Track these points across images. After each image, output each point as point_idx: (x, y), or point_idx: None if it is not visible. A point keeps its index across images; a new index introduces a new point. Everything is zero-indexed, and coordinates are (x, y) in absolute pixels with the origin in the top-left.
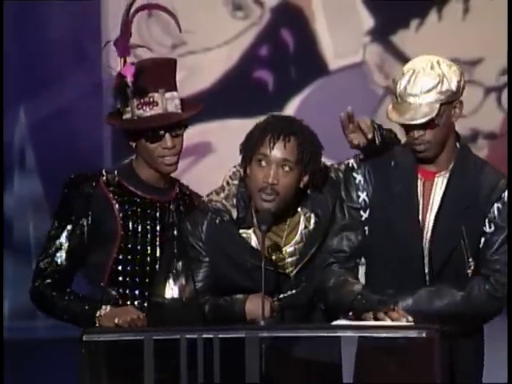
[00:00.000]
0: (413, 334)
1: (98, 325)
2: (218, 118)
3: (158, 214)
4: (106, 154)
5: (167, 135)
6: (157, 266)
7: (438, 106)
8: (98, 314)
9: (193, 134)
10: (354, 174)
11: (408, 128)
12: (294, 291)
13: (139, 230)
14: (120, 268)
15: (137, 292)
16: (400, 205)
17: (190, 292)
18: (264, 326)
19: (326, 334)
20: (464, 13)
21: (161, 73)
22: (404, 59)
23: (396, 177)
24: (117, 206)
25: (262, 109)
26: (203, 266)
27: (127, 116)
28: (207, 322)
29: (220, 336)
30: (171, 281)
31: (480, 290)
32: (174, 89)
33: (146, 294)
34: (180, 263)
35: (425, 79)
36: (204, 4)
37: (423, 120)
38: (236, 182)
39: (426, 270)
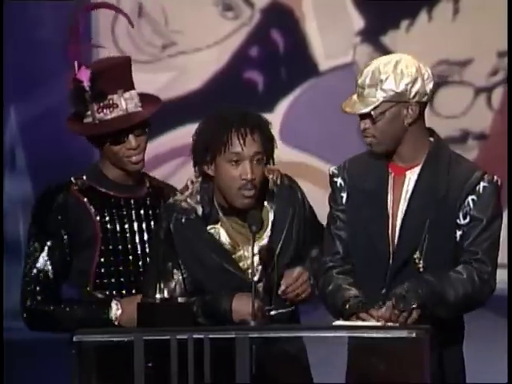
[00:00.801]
0: (403, 334)
1: (117, 323)
2: None
3: (133, 212)
4: (95, 154)
5: (131, 136)
6: (140, 263)
7: (376, 101)
8: (113, 316)
9: (183, 135)
10: (335, 179)
11: (360, 120)
12: (286, 309)
13: (117, 230)
14: (104, 270)
15: (124, 291)
16: (371, 200)
17: (180, 292)
18: (254, 326)
19: (316, 335)
20: (454, 13)
21: (117, 73)
22: None
23: (368, 173)
24: (92, 209)
25: (252, 109)
26: (181, 269)
27: (88, 120)
28: (197, 323)
29: (210, 336)
30: (161, 281)
31: (467, 274)
32: (132, 87)
33: (134, 291)
34: (170, 263)
35: (372, 73)
36: (194, 4)
37: (356, 111)
38: (200, 179)
39: (390, 266)
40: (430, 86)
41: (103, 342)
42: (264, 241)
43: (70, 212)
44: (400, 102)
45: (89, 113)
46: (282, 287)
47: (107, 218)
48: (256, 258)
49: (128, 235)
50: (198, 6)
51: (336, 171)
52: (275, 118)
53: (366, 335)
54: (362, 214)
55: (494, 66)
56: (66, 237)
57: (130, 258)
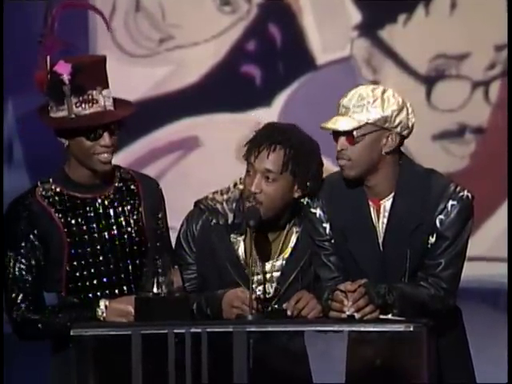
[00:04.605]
0: (400, 327)
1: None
2: (206, 113)
3: (100, 211)
4: None
5: (105, 133)
6: (112, 262)
7: (361, 122)
8: (99, 314)
9: (180, 129)
10: (312, 210)
11: (336, 140)
12: (283, 307)
13: (85, 232)
14: (75, 275)
15: (98, 293)
16: (359, 234)
17: (178, 287)
18: (251, 320)
19: (314, 328)
20: (451, 8)
21: (96, 70)
22: (392, 54)
23: (349, 207)
24: (57, 215)
25: (249, 103)
26: (191, 267)
27: (61, 114)
28: (195, 317)
29: (208, 330)
30: (159, 276)
31: (426, 287)
32: (108, 86)
33: (107, 292)
34: (167, 258)
35: (359, 95)
36: None
37: (339, 128)
38: (242, 186)
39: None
40: (412, 121)
41: (101, 336)
42: (279, 262)
43: (37, 220)
44: (383, 128)
45: (64, 106)
46: (288, 312)
47: (73, 222)
48: (261, 275)
49: (96, 235)
50: (196, 0)
51: (310, 201)
52: (272, 112)
53: (363, 329)
54: (348, 249)
55: (492, 59)
56: (37, 242)
57: (101, 258)
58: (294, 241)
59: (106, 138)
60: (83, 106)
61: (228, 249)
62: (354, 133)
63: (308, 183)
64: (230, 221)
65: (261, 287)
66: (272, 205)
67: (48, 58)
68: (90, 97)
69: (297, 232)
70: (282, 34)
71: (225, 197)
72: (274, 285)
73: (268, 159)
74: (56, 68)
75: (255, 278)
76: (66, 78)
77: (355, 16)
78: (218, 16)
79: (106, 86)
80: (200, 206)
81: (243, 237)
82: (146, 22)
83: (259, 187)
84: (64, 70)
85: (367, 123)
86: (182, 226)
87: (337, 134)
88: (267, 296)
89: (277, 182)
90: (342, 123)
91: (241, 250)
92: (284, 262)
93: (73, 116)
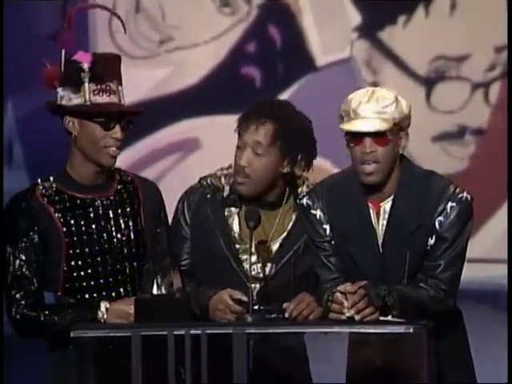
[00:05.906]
0: (400, 329)
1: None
2: (206, 114)
3: (100, 212)
4: None
5: (117, 126)
6: (109, 263)
7: (391, 122)
8: (100, 316)
9: (180, 130)
10: (313, 211)
11: (360, 143)
12: (275, 315)
13: (84, 233)
14: (72, 275)
15: (95, 294)
16: (359, 236)
17: (177, 288)
18: (251, 322)
19: (314, 330)
20: (451, 9)
21: (114, 65)
22: (392, 55)
23: (349, 209)
24: (56, 214)
25: (249, 105)
26: (187, 241)
27: (76, 101)
28: (195, 316)
29: (208, 332)
30: (159, 277)
31: (425, 288)
32: (122, 84)
33: (104, 293)
34: (167, 259)
35: (380, 96)
36: (191, 0)
37: (373, 129)
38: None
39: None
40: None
41: (101, 337)
42: (276, 245)
43: (36, 217)
44: (402, 128)
45: (80, 94)
46: (287, 314)
47: (72, 222)
48: (255, 257)
49: (95, 237)
50: (196, 1)
51: (311, 202)
52: None
53: (363, 331)
54: (348, 251)
55: (492, 61)
56: (36, 239)
57: (98, 259)
58: (290, 226)
59: (117, 131)
60: (100, 94)
61: (221, 221)
62: (388, 133)
63: (298, 159)
64: (225, 194)
65: (255, 266)
66: (259, 180)
67: (63, 51)
68: (108, 87)
69: (294, 218)
70: (282, 36)
71: (224, 172)
72: (270, 264)
73: (258, 132)
74: (76, 57)
75: (247, 258)
76: (85, 65)
77: (355, 17)
78: (218, 17)
79: (121, 83)
80: (201, 181)
81: (237, 210)
82: (145, 24)
83: (248, 161)
84: (84, 58)
85: (394, 123)
86: (180, 199)
87: (359, 137)
88: (266, 275)
89: (265, 157)
90: (371, 124)
91: (235, 224)
92: (279, 244)
93: (88, 103)
